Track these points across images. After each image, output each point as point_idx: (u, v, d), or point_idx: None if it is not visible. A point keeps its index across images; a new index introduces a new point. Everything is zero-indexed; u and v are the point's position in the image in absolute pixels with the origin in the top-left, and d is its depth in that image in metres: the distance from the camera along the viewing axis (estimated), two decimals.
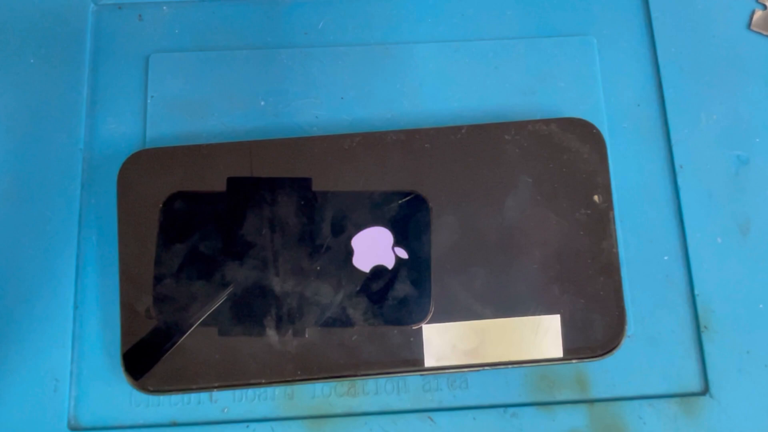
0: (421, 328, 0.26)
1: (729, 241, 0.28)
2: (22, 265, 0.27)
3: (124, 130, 0.29)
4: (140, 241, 0.26)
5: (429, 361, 0.25)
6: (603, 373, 0.26)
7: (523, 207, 0.26)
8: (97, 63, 0.30)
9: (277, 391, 0.26)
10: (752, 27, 0.30)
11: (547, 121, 0.27)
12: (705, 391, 0.26)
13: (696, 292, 0.27)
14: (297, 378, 0.25)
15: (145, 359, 0.25)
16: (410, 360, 0.25)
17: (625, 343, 0.26)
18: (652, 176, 0.28)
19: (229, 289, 0.26)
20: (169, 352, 0.25)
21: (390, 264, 0.26)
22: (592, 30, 0.30)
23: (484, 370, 0.25)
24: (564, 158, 0.27)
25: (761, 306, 0.27)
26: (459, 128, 0.27)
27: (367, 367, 0.25)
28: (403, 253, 0.26)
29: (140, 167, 0.27)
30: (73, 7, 0.30)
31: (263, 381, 0.25)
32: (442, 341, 0.25)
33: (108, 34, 0.30)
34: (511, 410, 0.26)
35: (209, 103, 0.29)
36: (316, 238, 0.26)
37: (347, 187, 0.27)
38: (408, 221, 0.26)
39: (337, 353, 0.25)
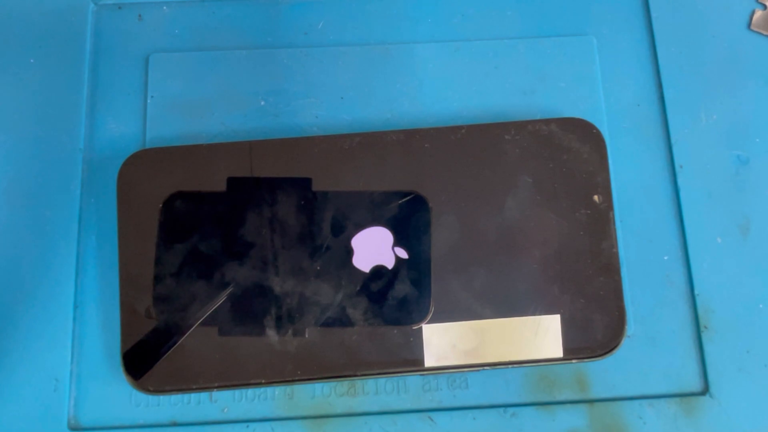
0: (421, 328, 0.26)
1: (729, 241, 0.28)
2: (22, 265, 0.27)
3: (124, 130, 0.29)
4: (140, 241, 0.26)
5: (429, 361, 0.25)
6: (603, 373, 0.26)
7: (523, 207, 0.26)
8: (97, 63, 0.30)
9: (277, 391, 0.26)
10: (752, 27, 0.30)
11: (547, 121, 0.27)
12: (705, 391, 0.26)
13: (696, 292, 0.27)
14: (297, 378, 0.25)
15: (145, 359, 0.25)
16: (410, 360, 0.25)
17: (625, 343, 0.26)
18: (652, 176, 0.28)
19: (229, 289, 0.26)
20: (169, 352, 0.25)
21: (390, 264, 0.26)
22: (592, 30, 0.30)
23: (484, 370, 0.25)
24: (564, 158, 0.27)
25: (761, 306, 0.27)
26: (459, 128, 0.27)
27: (367, 367, 0.25)
28: (403, 253, 0.26)
29: (140, 167, 0.27)
30: (73, 7, 0.30)
31: (263, 381, 0.25)
32: (442, 341, 0.25)
33: (108, 34, 0.30)
34: (511, 410, 0.26)
35: (209, 103, 0.29)
36: (316, 238, 0.26)
37: (347, 187, 0.27)
38: (408, 221, 0.26)
39: (337, 353, 0.25)
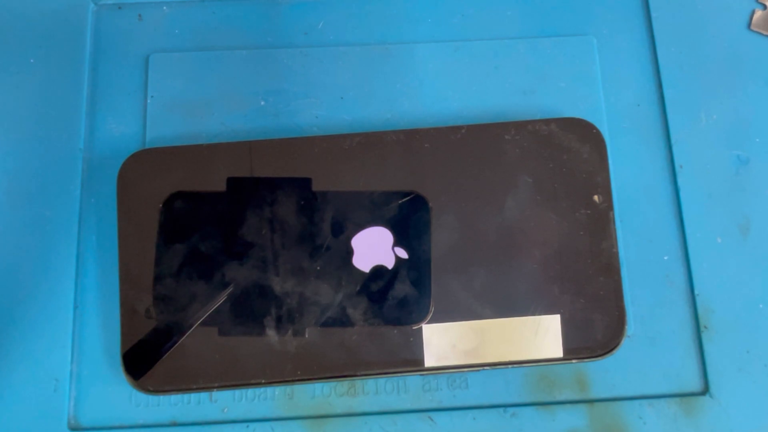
0: (421, 328, 0.26)
1: (729, 241, 0.28)
2: (22, 265, 0.27)
3: (124, 130, 0.29)
4: (140, 241, 0.26)
5: (429, 361, 0.25)
6: (603, 373, 0.26)
7: (523, 207, 0.26)
8: (97, 63, 0.30)
9: (277, 391, 0.26)
10: (752, 27, 0.30)
11: (547, 121, 0.27)
12: (705, 391, 0.26)
13: (696, 292, 0.27)
14: (297, 378, 0.25)
15: (145, 359, 0.25)
16: (410, 360, 0.25)
17: (625, 343, 0.26)
18: (652, 176, 0.28)
19: (229, 289, 0.26)
20: (169, 352, 0.25)
21: (390, 264, 0.26)
22: (592, 30, 0.30)
23: (484, 370, 0.25)
24: (564, 158, 0.27)
25: (761, 306, 0.27)
26: (459, 128, 0.27)
27: (367, 367, 0.25)
28: (403, 253, 0.26)
29: (140, 167, 0.27)
30: (73, 7, 0.30)
31: (263, 381, 0.25)
32: (442, 341, 0.25)
33: (108, 34, 0.30)
34: (511, 410, 0.26)
35: (209, 103, 0.29)
36: (316, 238, 0.26)
37: (347, 187, 0.27)
38: (408, 221, 0.26)
39: (337, 353, 0.25)
